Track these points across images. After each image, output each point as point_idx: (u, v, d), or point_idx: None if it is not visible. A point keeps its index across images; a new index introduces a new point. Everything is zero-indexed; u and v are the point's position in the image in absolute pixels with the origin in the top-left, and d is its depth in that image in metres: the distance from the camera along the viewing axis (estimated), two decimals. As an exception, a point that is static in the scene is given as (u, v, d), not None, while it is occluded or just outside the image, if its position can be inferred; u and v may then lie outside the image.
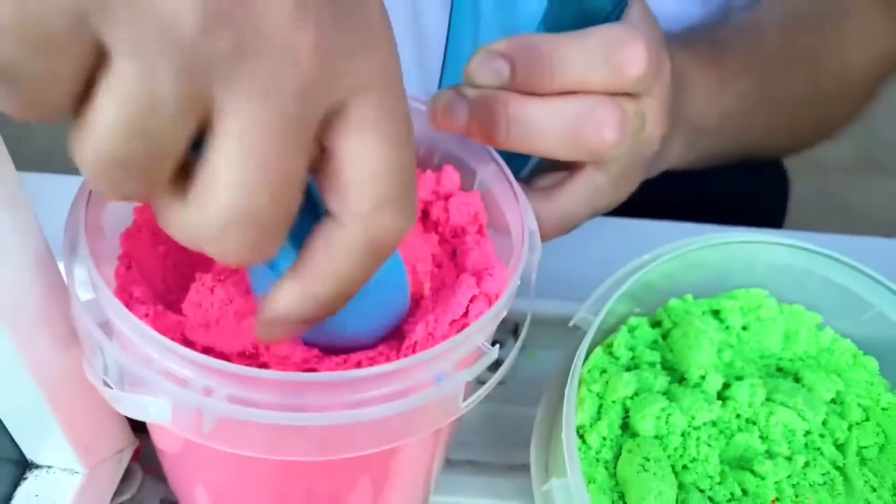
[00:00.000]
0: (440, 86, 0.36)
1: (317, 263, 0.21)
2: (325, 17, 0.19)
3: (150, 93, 0.17)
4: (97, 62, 0.17)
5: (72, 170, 0.29)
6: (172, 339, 0.25)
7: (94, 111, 0.17)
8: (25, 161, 0.29)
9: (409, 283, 0.29)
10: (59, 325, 0.26)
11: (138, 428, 0.33)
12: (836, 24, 0.51)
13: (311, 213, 0.22)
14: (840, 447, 0.31)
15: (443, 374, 0.25)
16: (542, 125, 0.31)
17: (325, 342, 0.27)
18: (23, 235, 0.25)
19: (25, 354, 0.26)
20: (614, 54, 0.31)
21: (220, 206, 0.19)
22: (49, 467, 0.31)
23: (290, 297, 0.22)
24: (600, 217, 0.52)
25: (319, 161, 0.21)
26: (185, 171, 0.19)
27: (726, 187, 0.71)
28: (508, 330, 0.45)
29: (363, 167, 0.20)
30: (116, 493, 0.34)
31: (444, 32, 0.36)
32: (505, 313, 0.27)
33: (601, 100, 0.31)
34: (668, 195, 0.55)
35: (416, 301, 0.30)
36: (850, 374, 0.32)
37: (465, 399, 0.26)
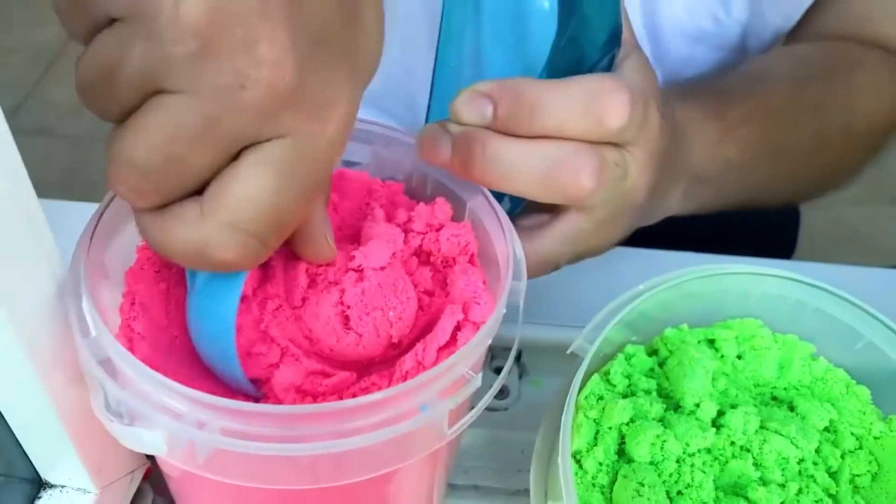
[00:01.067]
0: (428, 109, 0.38)
1: (161, 216, 0.23)
2: (291, 67, 0.21)
3: (121, 53, 0.21)
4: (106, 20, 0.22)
5: (90, 197, 0.30)
6: (175, 372, 0.27)
7: (92, 52, 0.22)
8: (46, 188, 0.30)
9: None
10: (73, 357, 0.27)
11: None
12: (846, 75, 0.52)
13: None
14: (833, 475, 0.32)
15: (427, 403, 0.26)
16: (519, 166, 0.32)
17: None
18: (45, 266, 0.26)
19: (45, 382, 0.27)
20: (595, 104, 0.32)
21: (124, 144, 0.22)
22: (63, 487, 0.32)
23: (128, 182, 0.23)
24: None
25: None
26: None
27: (736, 217, 0.72)
28: (514, 357, 0.46)
29: (243, 189, 0.22)
30: (127, 513, 0.35)
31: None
32: (489, 341, 0.28)
33: (581, 146, 0.32)
34: (676, 226, 0.56)
35: (397, 343, 0.31)
36: (843, 404, 0.33)
37: (450, 427, 0.27)
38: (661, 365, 0.34)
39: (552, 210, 0.36)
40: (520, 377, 0.45)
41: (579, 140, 0.32)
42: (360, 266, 0.30)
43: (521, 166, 0.32)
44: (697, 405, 0.31)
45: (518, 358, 0.45)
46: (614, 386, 0.32)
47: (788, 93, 0.49)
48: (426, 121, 0.38)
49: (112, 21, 0.21)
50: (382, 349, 0.30)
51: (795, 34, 0.57)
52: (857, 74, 0.52)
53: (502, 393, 0.44)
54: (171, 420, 0.25)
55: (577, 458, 0.31)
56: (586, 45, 0.35)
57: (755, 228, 0.74)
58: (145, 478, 0.36)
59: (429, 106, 0.37)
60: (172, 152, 0.22)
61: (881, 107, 0.53)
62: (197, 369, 0.30)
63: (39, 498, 0.32)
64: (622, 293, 0.34)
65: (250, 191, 0.22)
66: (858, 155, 0.55)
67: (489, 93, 0.32)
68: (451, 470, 0.40)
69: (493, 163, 0.32)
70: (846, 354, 0.34)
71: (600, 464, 0.30)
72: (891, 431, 0.32)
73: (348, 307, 0.29)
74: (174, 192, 0.23)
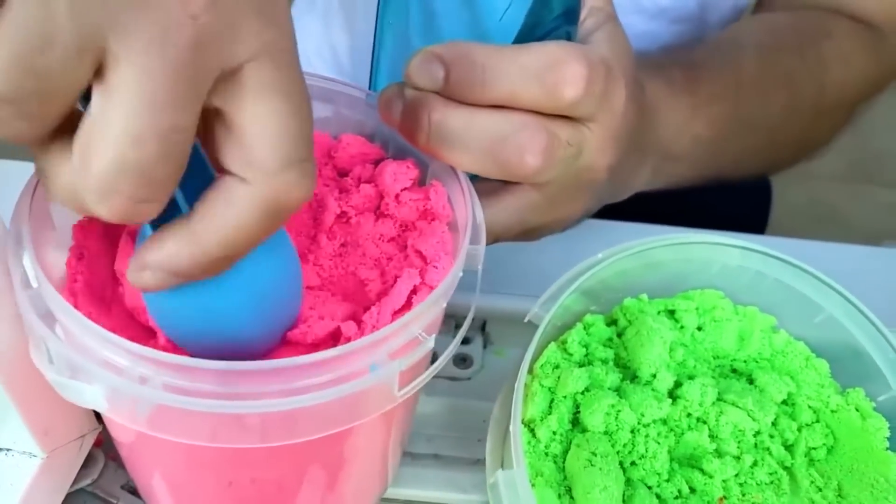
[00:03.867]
0: (371, 76, 0.37)
1: (213, 217, 0.21)
2: None
3: (44, 30, 0.18)
4: None
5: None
6: (121, 329, 0.26)
7: None
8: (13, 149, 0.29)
9: (301, 287, 0.28)
10: (13, 311, 0.27)
11: (101, 414, 0.33)
12: (816, 46, 0.51)
13: (196, 176, 0.22)
14: (789, 448, 0.31)
15: (377, 364, 0.25)
16: (463, 138, 0.31)
17: (210, 343, 0.27)
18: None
19: (-20, 338, 0.26)
20: (549, 73, 0.30)
21: (106, 158, 0.19)
22: (8, 450, 0.32)
23: (175, 245, 0.21)
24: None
25: (210, 122, 0.21)
26: (72, 127, 0.20)
27: (707, 194, 0.72)
28: (477, 327, 0.46)
29: (269, 127, 0.21)
30: (77, 479, 0.34)
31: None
32: (444, 303, 0.28)
33: (528, 123, 0.31)
34: (647, 202, 0.56)
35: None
36: (801, 377, 0.33)
37: (401, 388, 0.26)
38: (619, 335, 0.33)
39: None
40: (484, 347, 0.45)
41: (532, 111, 0.31)
42: None
43: (465, 138, 0.31)
44: (654, 376, 0.31)
45: (482, 328, 0.45)
46: (571, 355, 0.32)
47: (759, 65, 0.48)
48: (370, 79, 0.37)
49: None
50: None
51: (765, 3, 0.57)
52: (828, 44, 0.51)
53: (465, 362, 0.44)
54: (112, 375, 0.24)
55: (530, 427, 0.30)
56: (543, 13, 0.34)
57: (725, 206, 0.74)
58: (97, 445, 0.35)
59: (373, 62, 0.36)
60: (160, 127, 0.19)
61: (851, 77, 0.52)
62: (143, 327, 0.29)
63: (-16, 461, 0.32)
64: None
65: (272, 124, 0.21)
66: (829, 126, 0.55)
67: (442, 55, 0.30)
68: (409, 436, 0.40)
69: (438, 132, 0.31)
70: (806, 327, 0.33)
71: (554, 433, 0.30)
72: (847, 405, 0.32)
73: None
74: (179, 169, 0.21)
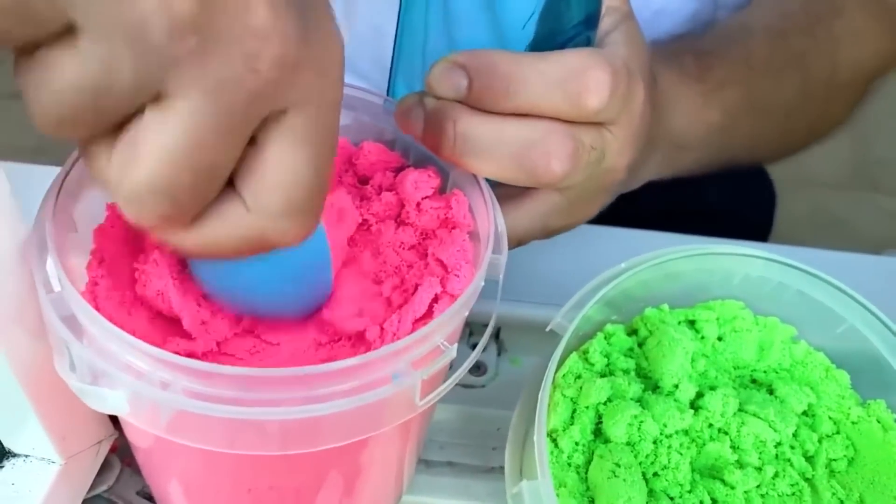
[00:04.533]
0: (392, 71, 0.36)
1: (203, 221, 0.22)
2: (292, 30, 0.20)
3: (108, 76, 0.18)
4: (63, 30, 0.18)
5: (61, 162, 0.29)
6: (142, 333, 0.26)
7: (51, 68, 0.18)
8: (10, 152, 0.29)
9: (331, 268, 0.29)
10: (35, 317, 0.27)
11: (118, 420, 0.33)
12: (827, 24, 0.51)
13: None
14: (810, 459, 0.31)
15: (399, 373, 0.25)
16: (489, 147, 0.31)
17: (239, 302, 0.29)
18: (3, 226, 0.25)
19: (3, 344, 0.26)
20: (573, 82, 0.30)
21: (142, 173, 0.20)
22: (26, 456, 0.31)
23: (158, 212, 0.21)
24: (588, 225, 0.53)
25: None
26: (124, 124, 0.20)
27: (713, 199, 0.71)
28: (492, 334, 0.46)
29: (288, 173, 0.21)
30: (94, 484, 0.34)
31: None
32: (466, 312, 0.28)
33: (554, 129, 0.31)
34: (652, 206, 0.56)
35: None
36: (822, 388, 0.33)
37: (422, 398, 0.26)
38: (640, 345, 0.33)
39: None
40: (498, 354, 0.45)
41: (556, 119, 0.31)
42: None
43: (492, 147, 0.31)
44: (676, 386, 0.31)
45: (497, 335, 0.45)
46: (593, 365, 0.32)
47: (770, 48, 0.48)
48: (388, 85, 0.36)
49: (62, 34, 0.18)
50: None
51: None
52: (839, 22, 0.51)
53: (479, 369, 0.44)
54: (133, 379, 0.24)
55: (552, 437, 0.30)
56: (563, 19, 0.34)
57: (730, 210, 0.74)
58: (113, 451, 0.35)
59: (392, 67, 0.36)
60: (199, 162, 0.20)
61: (864, 54, 0.52)
62: (164, 330, 0.29)
63: (2, 467, 0.31)
64: (602, 272, 0.34)
65: (293, 173, 0.21)
66: (843, 104, 0.54)
67: (465, 64, 0.30)
68: (424, 443, 0.40)
69: (463, 142, 0.31)
70: (827, 338, 0.33)
71: (576, 443, 0.30)
72: (868, 416, 0.32)
73: None
74: (207, 200, 0.21)
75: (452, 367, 0.30)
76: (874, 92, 0.56)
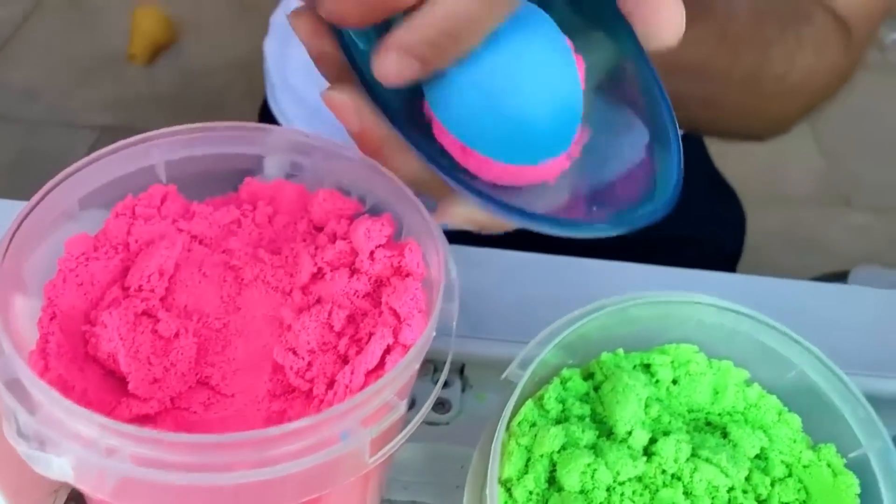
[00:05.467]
0: None
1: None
2: None
3: None
4: None
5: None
6: (95, 389, 0.26)
7: None
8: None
9: (578, 79, 0.28)
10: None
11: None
12: (798, 26, 0.52)
13: None
14: (762, 503, 0.32)
15: (348, 431, 0.25)
16: None
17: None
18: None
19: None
20: None
21: None
22: (-22, 510, 0.31)
23: (406, 29, 0.24)
24: (554, 256, 0.53)
25: None
26: None
27: (684, 222, 0.72)
28: (456, 370, 0.46)
29: None
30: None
31: None
32: (417, 365, 0.28)
33: None
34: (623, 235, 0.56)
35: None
36: (774, 431, 0.33)
37: (373, 455, 0.27)
38: (596, 389, 0.34)
39: None
40: (463, 390, 0.45)
41: None
42: None
43: None
44: (629, 433, 0.31)
45: (461, 371, 0.45)
46: (548, 412, 0.32)
47: (744, 22, 0.49)
48: None
49: None
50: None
51: None
52: (808, 29, 0.52)
53: (443, 406, 0.44)
54: (79, 447, 0.24)
55: (507, 486, 0.31)
56: None
57: (701, 234, 0.75)
58: (70, 499, 0.35)
59: None
60: None
61: (820, 65, 0.53)
62: (118, 387, 0.29)
63: (-46, 520, 0.31)
64: (571, 306, 0.34)
65: None
66: (783, 107, 0.55)
67: None
68: (386, 486, 0.40)
69: None
70: (779, 382, 0.34)
71: (530, 492, 0.30)
72: (819, 461, 0.32)
73: None
74: None
75: (415, 405, 0.30)
76: (843, 107, 0.56)
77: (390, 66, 0.26)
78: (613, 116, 0.31)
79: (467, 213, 0.33)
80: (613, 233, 0.27)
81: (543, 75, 0.27)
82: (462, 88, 0.27)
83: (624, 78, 0.31)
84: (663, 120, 0.29)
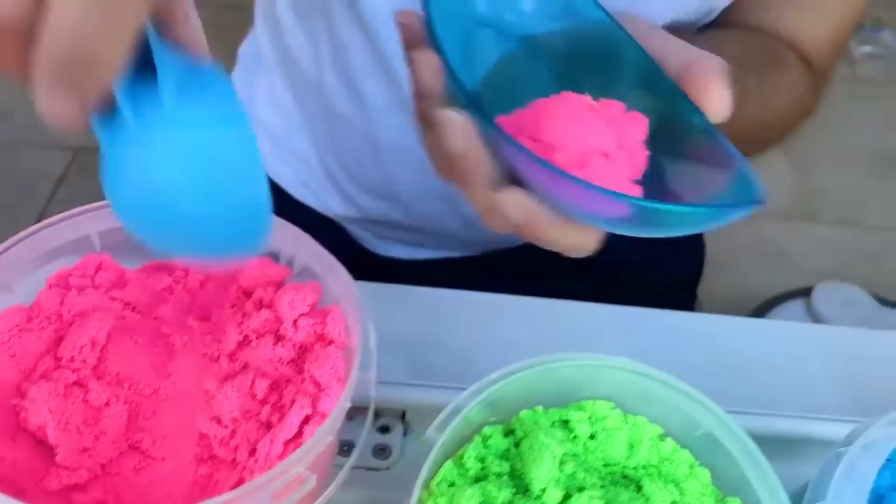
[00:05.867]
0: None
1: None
2: None
3: None
4: None
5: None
6: (26, 460, 0.27)
7: None
8: None
9: (264, 181, 0.25)
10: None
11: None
12: (773, 71, 0.54)
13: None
14: (673, 556, 0.33)
15: None
16: None
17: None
18: None
19: None
20: None
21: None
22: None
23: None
24: (498, 296, 0.55)
25: None
26: None
27: (640, 248, 0.74)
28: (397, 416, 0.47)
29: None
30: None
31: None
32: (331, 437, 0.29)
33: None
34: (583, 259, 0.57)
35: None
36: (685, 484, 0.34)
37: None
38: (517, 445, 0.35)
39: None
40: (404, 434, 0.46)
41: None
42: None
43: None
44: (543, 490, 0.33)
45: (402, 416, 0.46)
46: (467, 470, 0.34)
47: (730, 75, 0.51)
48: None
49: None
50: None
51: (722, 21, 0.59)
52: (781, 73, 0.54)
53: (384, 452, 0.45)
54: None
55: (425, 545, 0.32)
56: None
57: (660, 258, 0.76)
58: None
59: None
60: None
61: (791, 106, 0.55)
62: (48, 457, 0.30)
63: None
64: (515, 349, 0.35)
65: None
66: (756, 144, 0.57)
67: None
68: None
69: None
70: (689, 438, 0.35)
71: (447, 551, 0.31)
72: (726, 514, 0.33)
73: None
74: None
75: (349, 448, 0.32)
76: (813, 121, 0.59)
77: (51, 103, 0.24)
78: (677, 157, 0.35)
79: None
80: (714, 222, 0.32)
81: (217, 170, 0.24)
82: (129, 172, 0.24)
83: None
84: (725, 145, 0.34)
